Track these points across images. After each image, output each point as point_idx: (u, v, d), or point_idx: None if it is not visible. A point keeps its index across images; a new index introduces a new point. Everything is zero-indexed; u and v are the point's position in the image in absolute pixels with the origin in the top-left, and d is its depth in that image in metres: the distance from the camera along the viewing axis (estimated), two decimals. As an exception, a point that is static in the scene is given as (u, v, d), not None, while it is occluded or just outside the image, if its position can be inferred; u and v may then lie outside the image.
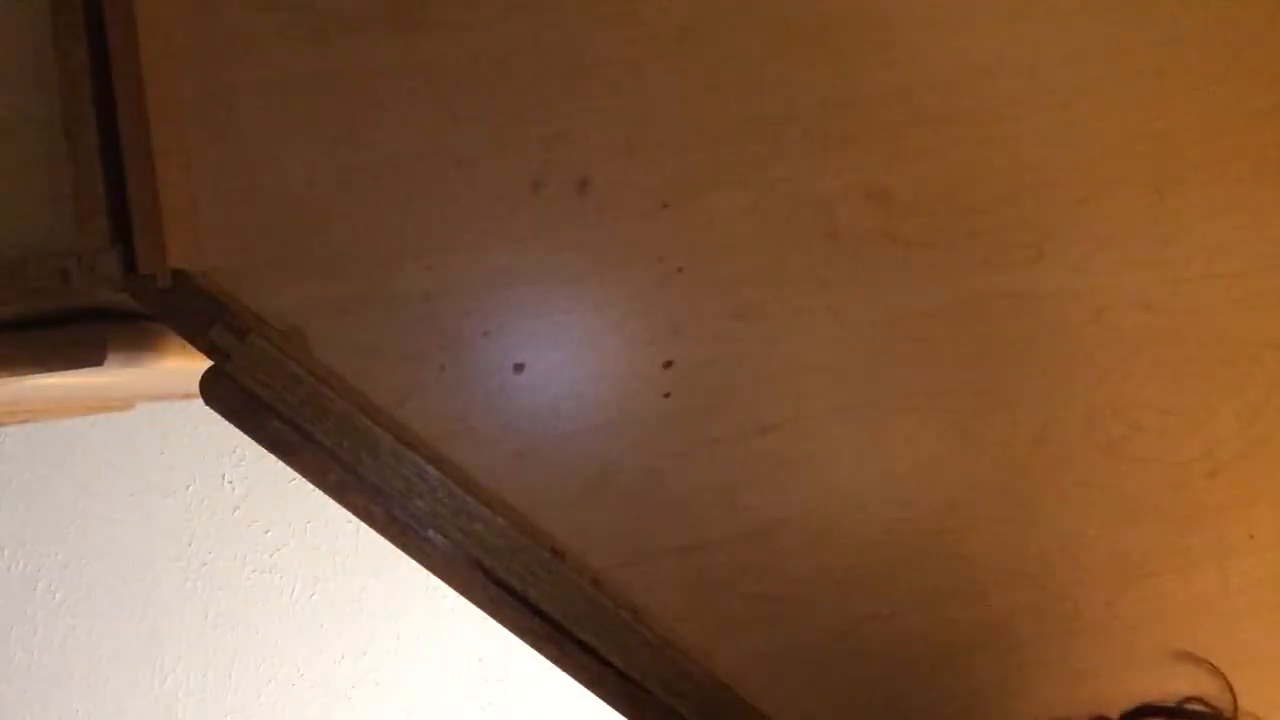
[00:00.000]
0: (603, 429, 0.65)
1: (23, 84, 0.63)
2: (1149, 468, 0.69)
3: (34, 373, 0.68)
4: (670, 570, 0.66)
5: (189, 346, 0.63)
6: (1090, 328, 0.68)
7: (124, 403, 1.33)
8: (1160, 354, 0.69)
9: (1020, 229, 0.67)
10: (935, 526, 0.67)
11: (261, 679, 1.57)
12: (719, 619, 0.66)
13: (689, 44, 0.64)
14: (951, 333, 0.67)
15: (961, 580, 0.68)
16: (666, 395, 0.65)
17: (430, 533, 0.63)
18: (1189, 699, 0.66)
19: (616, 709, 0.65)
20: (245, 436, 0.62)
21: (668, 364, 0.65)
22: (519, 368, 0.64)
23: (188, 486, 1.54)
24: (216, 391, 0.62)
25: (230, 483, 1.54)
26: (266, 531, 1.55)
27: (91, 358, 0.66)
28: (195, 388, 0.62)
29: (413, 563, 0.63)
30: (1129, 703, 0.67)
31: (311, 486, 0.63)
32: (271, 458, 0.62)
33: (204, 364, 0.62)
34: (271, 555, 1.56)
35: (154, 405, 1.47)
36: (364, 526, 0.63)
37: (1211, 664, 0.68)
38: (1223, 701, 0.66)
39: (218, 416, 0.62)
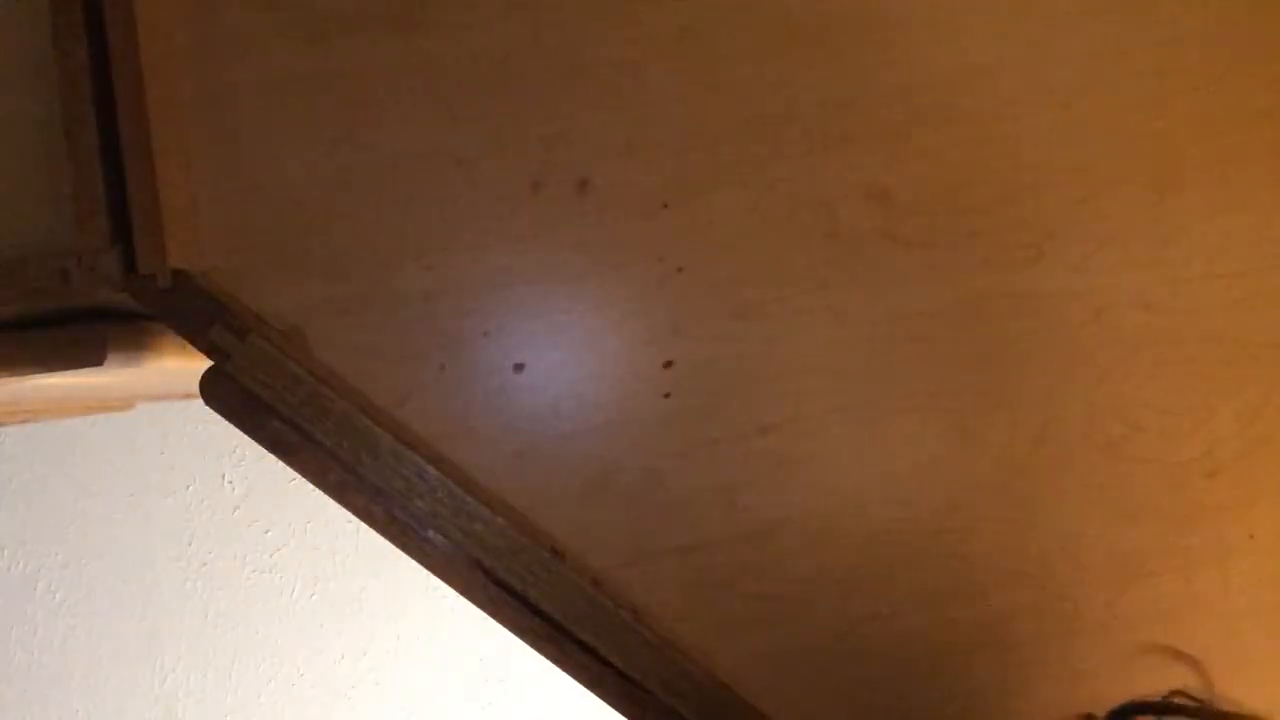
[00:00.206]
0: (603, 429, 0.65)
1: (23, 84, 0.63)
2: (1149, 468, 0.69)
3: (34, 373, 0.68)
4: (670, 570, 0.65)
5: (189, 346, 0.63)
6: (1090, 328, 0.68)
7: (124, 403, 1.33)
8: (1160, 354, 0.69)
9: (1020, 229, 0.67)
10: (935, 526, 0.67)
11: (261, 679, 1.57)
12: (719, 619, 0.66)
13: (689, 44, 0.64)
14: (951, 333, 0.67)
15: (961, 580, 0.68)
16: (666, 395, 0.65)
17: (430, 533, 0.63)
18: (1174, 692, 0.66)
19: (616, 709, 0.65)
20: (245, 436, 0.62)
21: (668, 364, 0.65)
22: (519, 368, 0.64)
23: (188, 486, 1.54)
24: (216, 391, 0.62)
25: (230, 483, 1.54)
26: (266, 531, 1.55)
27: (91, 358, 0.66)
28: (195, 388, 0.62)
29: (413, 563, 0.63)
30: (1141, 695, 0.67)
31: (311, 486, 0.63)
32: (271, 458, 0.62)
33: (204, 364, 0.62)
34: (271, 555, 1.56)
35: (154, 405, 1.47)
36: (364, 526, 0.63)
37: (1189, 656, 0.68)
38: (1207, 694, 0.66)
39: (218, 416, 0.62)
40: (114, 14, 0.60)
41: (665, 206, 0.65)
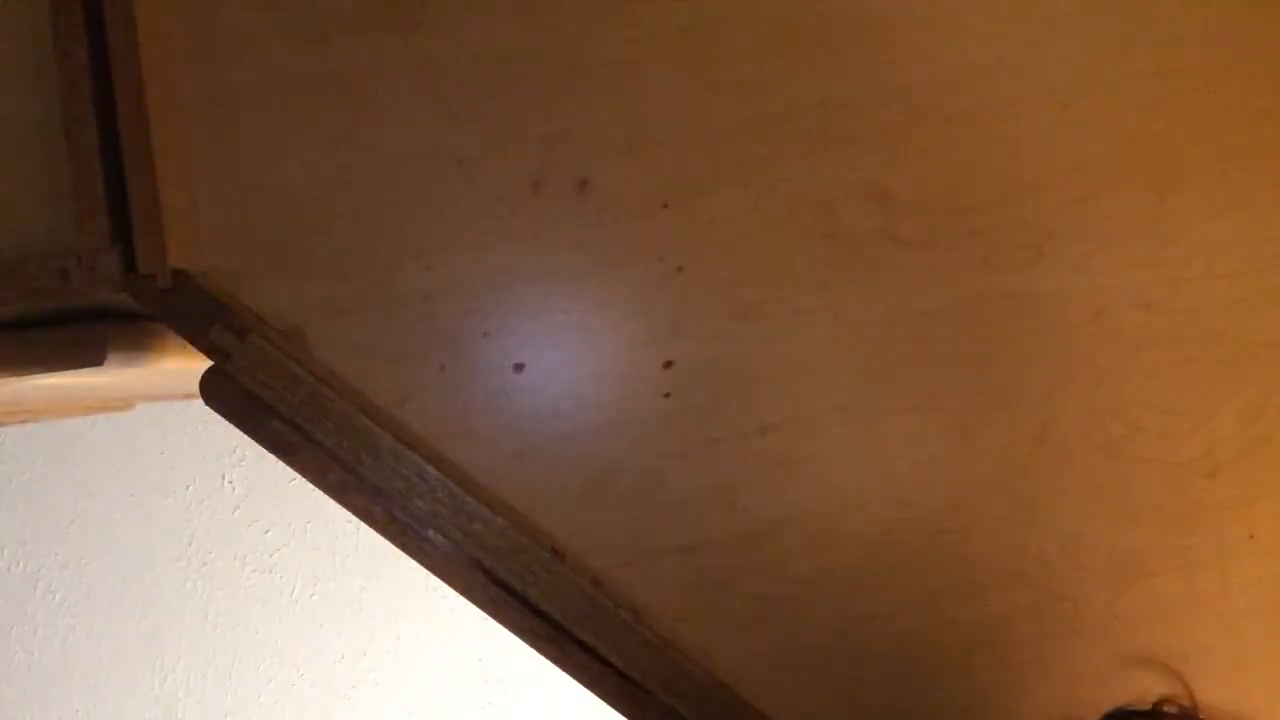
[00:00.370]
0: (603, 429, 0.65)
1: (23, 84, 0.63)
2: (1149, 468, 0.69)
3: (34, 373, 0.68)
4: (670, 570, 0.65)
5: (189, 346, 0.63)
6: (1090, 328, 0.68)
7: (124, 403, 1.33)
8: (1160, 354, 0.69)
9: (1020, 229, 0.67)
10: (935, 526, 0.67)
11: (261, 679, 1.57)
12: (719, 619, 0.66)
13: (689, 44, 0.64)
14: (951, 333, 0.67)
15: (961, 580, 0.68)
16: (666, 395, 0.65)
17: (430, 533, 0.63)
18: (1163, 700, 0.66)
19: (616, 709, 0.65)
20: (245, 436, 0.62)
21: (668, 364, 0.65)
22: (519, 368, 0.64)
23: (188, 486, 1.54)
24: (216, 391, 0.62)
25: (230, 483, 1.54)
26: (266, 531, 1.55)
27: (91, 358, 0.66)
28: (195, 388, 0.62)
29: (413, 563, 0.63)
30: (1128, 703, 0.67)
31: (311, 486, 0.63)
32: (271, 458, 0.62)
33: (204, 364, 0.62)
34: (271, 555, 1.56)
35: (154, 405, 1.47)
36: (364, 526, 0.63)
37: (1167, 666, 0.68)
38: (1192, 701, 0.66)
39: (218, 416, 0.62)
40: (114, 14, 0.60)
41: (665, 206, 0.65)
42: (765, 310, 0.66)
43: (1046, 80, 0.67)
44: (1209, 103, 0.69)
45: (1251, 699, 0.70)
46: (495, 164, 0.63)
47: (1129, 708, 0.65)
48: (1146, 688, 0.68)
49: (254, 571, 1.56)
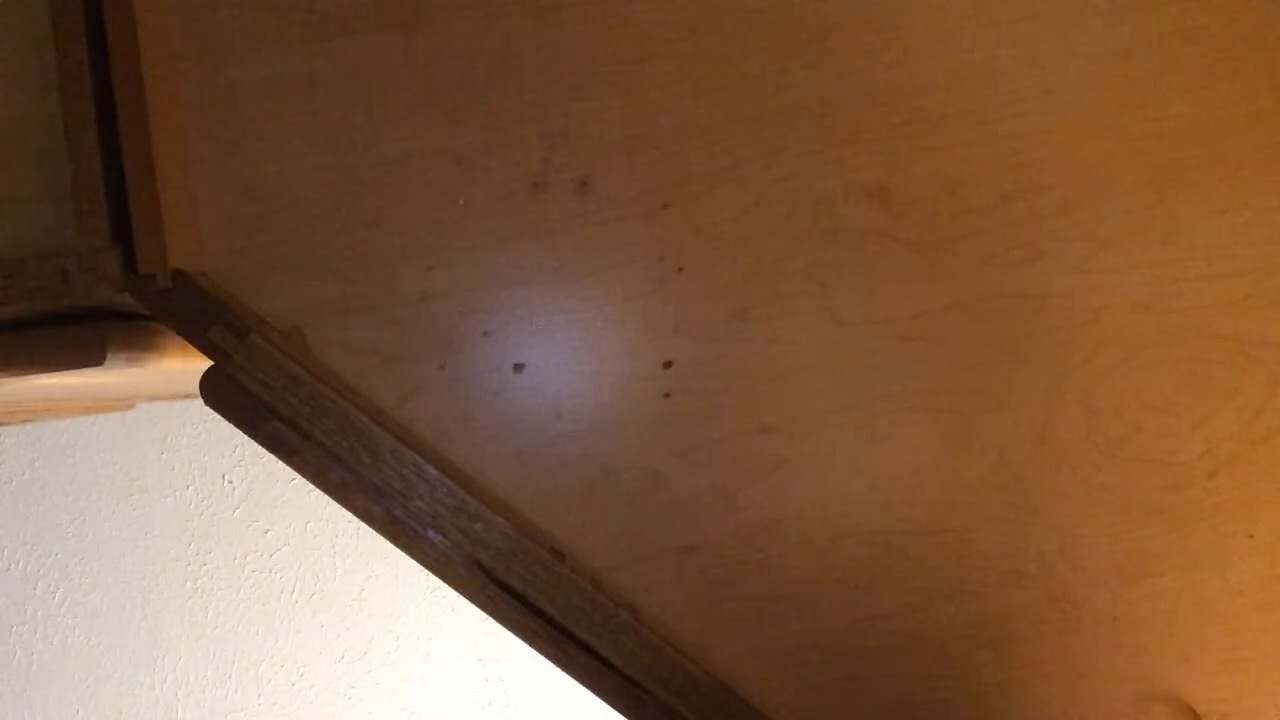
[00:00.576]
0: (603, 429, 0.65)
1: (23, 84, 0.63)
2: (1149, 468, 0.69)
3: (34, 373, 0.68)
4: (670, 570, 0.65)
5: (189, 346, 0.63)
6: (1090, 328, 0.68)
7: (124, 403, 1.33)
8: (1160, 354, 0.69)
9: (1020, 229, 0.67)
10: (935, 526, 0.67)
11: (261, 679, 1.57)
12: (719, 619, 0.66)
13: (690, 44, 0.64)
14: (951, 333, 0.67)
15: (961, 580, 0.68)
16: (666, 395, 0.65)
17: (430, 533, 0.63)
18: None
19: (616, 709, 0.65)
20: (245, 436, 0.62)
21: (668, 364, 0.65)
22: (519, 368, 0.64)
23: (188, 486, 1.54)
24: (216, 391, 0.62)
25: (230, 483, 1.54)
26: (266, 531, 1.55)
27: (91, 358, 0.66)
28: (195, 388, 0.62)
29: (413, 563, 0.63)
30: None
31: (311, 486, 0.63)
32: (271, 458, 0.62)
33: (204, 364, 0.62)
34: (271, 555, 1.56)
35: (154, 405, 1.47)
36: (364, 526, 0.63)
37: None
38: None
39: (218, 416, 0.62)
40: (114, 14, 0.60)
41: (665, 206, 0.65)
42: (765, 310, 0.66)
43: (1046, 80, 0.67)
44: (1209, 103, 0.69)
45: (1251, 699, 0.70)
46: (495, 164, 0.63)
47: None
48: (1176, 687, 0.68)
49: (254, 571, 1.56)
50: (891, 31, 0.66)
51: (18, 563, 1.53)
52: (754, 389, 0.66)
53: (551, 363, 0.65)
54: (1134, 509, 0.69)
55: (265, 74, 0.62)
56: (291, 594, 1.56)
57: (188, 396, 1.27)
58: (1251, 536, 0.70)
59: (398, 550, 0.64)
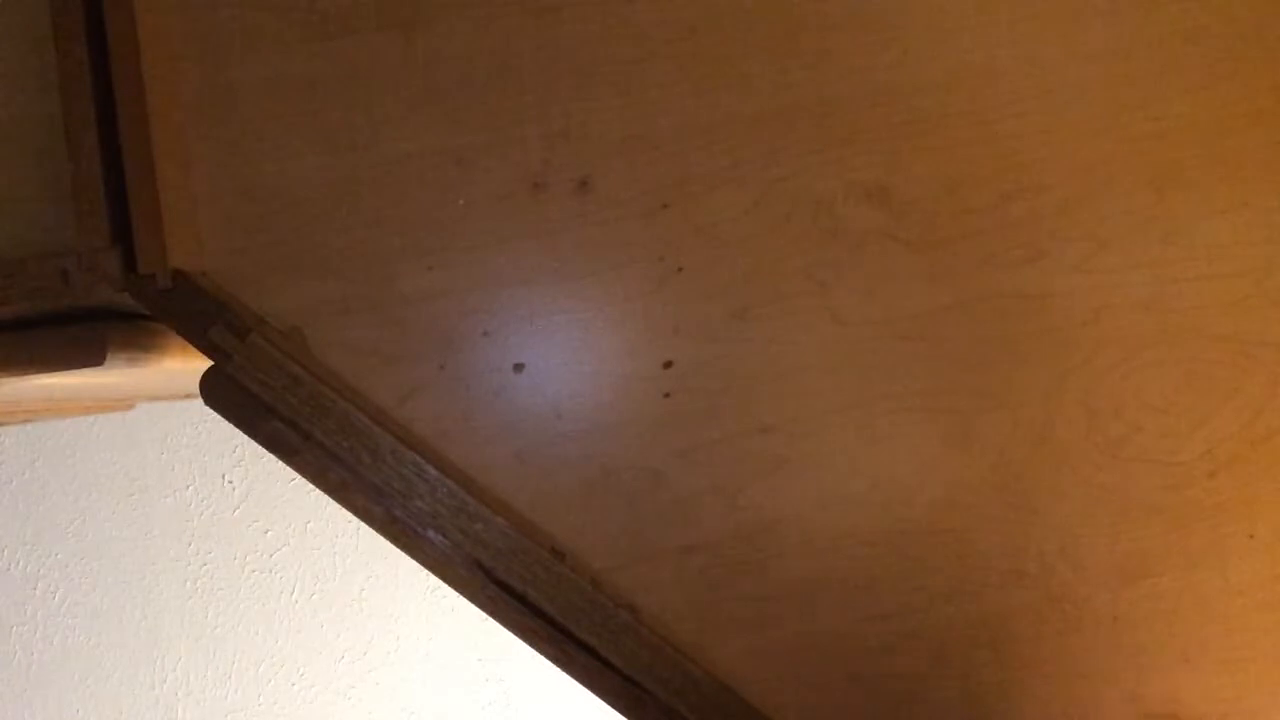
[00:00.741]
0: (603, 429, 0.65)
1: (23, 84, 0.63)
2: (1149, 468, 0.69)
3: (34, 373, 0.68)
4: (670, 570, 0.65)
5: (189, 346, 0.63)
6: (1090, 328, 0.68)
7: (124, 403, 1.33)
8: (1160, 354, 0.69)
9: (1020, 229, 0.67)
10: (935, 526, 0.67)
11: (261, 679, 1.57)
12: (719, 619, 0.66)
13: (690, 43, 0.64)
14: (951, 333, 0.67)
15: (961, 580, 0.68)
16: (666, 395, 0.65)
17: (430, 533, 0.63)
18: None
19: (616, 709, 0.65)
20: (245, 436, 0.62)
21: (668, 364, 0.65)
22: (519, 368, 0.64)
23: (188, 486, 1.54)
24: (216, 391, 0.62)
25: (230, 483, 1.54)
26: (266, 531, 1.55)
27: (91, 358, 0.66)
28: (195, 388, 0.62)
29: (413, 563, 0.63)
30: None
31: (311, 486, 0.63)
32: (271, 458, 0.63)
33: (204, 364, 0.62)
34: (271, 555, 1.56)
35: (154, 405, 1.47)
36: (364, 526, 0.63)
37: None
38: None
39: (218, 416, 0.62)
40: (114, 14, 0.60)
41: (665, 206, 0.65)
42: (765, 310, 0.66)
43: (1046, 80, 0.67)
44: (1209, 103, 0.69)
45: (1251, 699, 0.70)
46: (495, 164, 0.63)
47: None
48: (1176, 686, 0.68)
49: (254, 571, 1.56)
50: (891, 31, 0.66)
51: (18, 563, 1.53)
52: (754, 389, 0.66)
53: (551, 363, 0.65)
54: (1134, 509, 0.69)
55: (265, 74, 0.62)
56: (291, 594, 1.56)
57: (188, 396, 1.27)
58: (1251, 536, 0.70)
59: (398, 550, 0.64)
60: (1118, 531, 0.69)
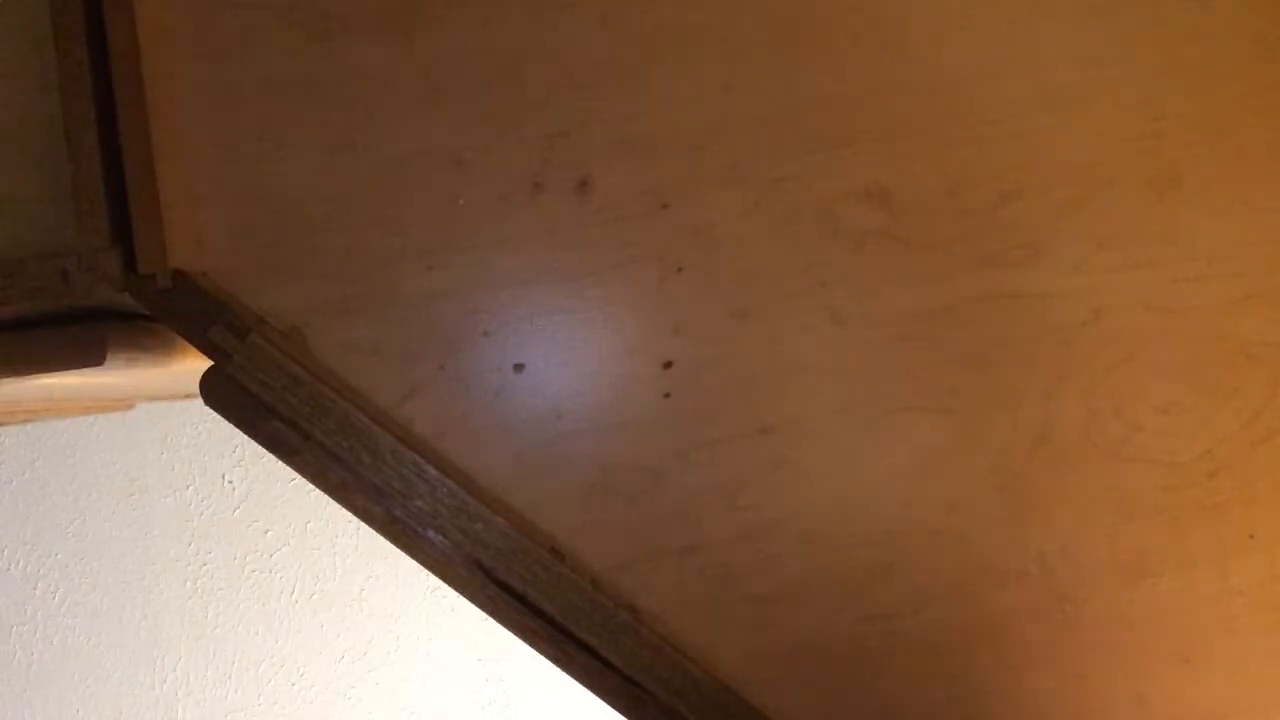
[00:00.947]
0: (603, 429, 0.65)
1: (23, 84, 0.63)
2: (1149, 468, 0.69)
3: (34, 373, 0.68)
4: (670, 570, 0.65)
5: (189, 346, 0.62)
6: (1090, 328, 0.68)
7: (124, 403, 1.33)
8: (1160, 354, 0.69)
9: (1020, 229, 0.67)
10: (935, 526, 0.67)
11: (261, 679, 1.57)
12: (719, 619, 0.66)
13: (690, 44, 0.64)
14: (951, 333, 0.67)
15: (961, 580, 0.68)
16: (666, 395, 0.65)
17: (430, 533, 0.63)
18: None
19: (616, 709, 0.65)
20: (245, 436, 0.62)
21: (668, 364, 0.65)
22: (519, 368, 0.64)
23: (188, 486, 1.54)
24: (216, 391, 0.62)
25: (230, 483, 1.54)
26: (266, 531, 1.55)
27: (91, 358, 0.66)
28: (195, 388, 0.62)
29: (413, 563, 0.63)
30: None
31: (311, 486, 0.63)
32: (271, 458, 0.62)
33: (204, 364, 0.62)
34: (271, 555, 1.56)
35: (154, 405, 1.47)
36: (364, 526, 0.63)
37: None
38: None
39: (218, 416, 0.62)
40: (114, 14, 0.60)
41: (665, 206, 0.65)
42: (765, 310, 0.66)
43: (1046, 80, 0.67)
44: (1209, 103, 0.69)
45: (1251, 699, 0.70)
46: (495, 164, 0.63)
47: None
48: (1176, 685, 0.68)
49: (254, 571, 1.56)
50: (891, 31, 0.66)
51: (18, 563, 1.53)
52: (754, 389, 0.66)
53: (551, 363, 0.64)
54: (1134, 509, 0.69)
55: (265, 74, 0.62)
56: (291, 594, 1.56)
57: (188, 396, 1.27)
58: (1251, 536, 0.70)
59: (398, 550, 0.64)
60: (1118, 531, 0.69)
